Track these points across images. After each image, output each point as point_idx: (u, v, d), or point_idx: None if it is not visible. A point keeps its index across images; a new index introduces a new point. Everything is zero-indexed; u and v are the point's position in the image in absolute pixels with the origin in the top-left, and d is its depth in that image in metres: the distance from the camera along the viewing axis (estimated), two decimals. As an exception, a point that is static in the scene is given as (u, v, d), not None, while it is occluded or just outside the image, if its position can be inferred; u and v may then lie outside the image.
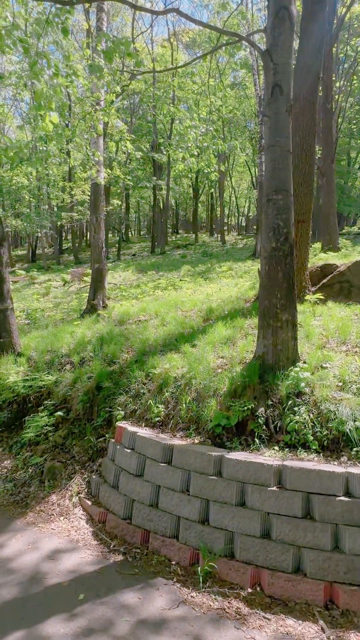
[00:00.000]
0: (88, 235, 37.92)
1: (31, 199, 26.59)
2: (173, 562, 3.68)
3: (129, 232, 41.09)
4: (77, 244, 30.40)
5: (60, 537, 4.15)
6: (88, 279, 16.53)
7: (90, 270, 11.69)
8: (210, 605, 3.19)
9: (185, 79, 23.08)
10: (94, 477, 4.85)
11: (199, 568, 3.50)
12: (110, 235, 30.36)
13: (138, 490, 4.22)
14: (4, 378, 6.20)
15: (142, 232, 48.49)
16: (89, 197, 20.84)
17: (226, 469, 3.74)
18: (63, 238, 34.33)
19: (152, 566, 3.69)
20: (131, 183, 25.30)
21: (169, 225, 37.23)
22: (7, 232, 27.33)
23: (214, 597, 3.27)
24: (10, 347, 6.92)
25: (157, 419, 4.78)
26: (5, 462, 5.59)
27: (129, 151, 7.83)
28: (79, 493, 4.77)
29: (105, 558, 3.83)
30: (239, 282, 10.92)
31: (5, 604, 3.24)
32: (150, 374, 5.33)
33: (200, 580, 3.41)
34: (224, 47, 6.53)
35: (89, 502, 4.58)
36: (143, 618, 3.09)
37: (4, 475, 5.35)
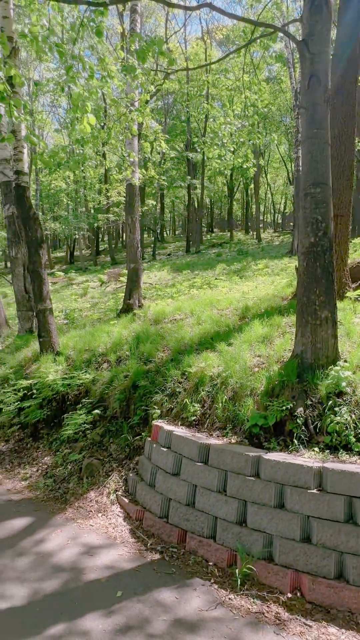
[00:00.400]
0: (124, 236, 38.45)
1: (69, 202, 27.26)
2: (210, 563, 3.64)
3: (164, 232, 41.30)
4: (113, 245, 30.87)
5: (98, 534, 4.20)
6: (124, 279, 16.73)
7: (126, 271, 11.80)
8: (249, 609, 3.13)
9: (219, 76, 22.94)
10: (131, 475, 4.89)
11: (237, 570, 3.44)
12: (145, 235, 30.63)
13: (174, 489, 4.21)
14: (44, 376, 6.36)
15: (177, 232, 48.64)
16: (124, 198, 21.12)
17: (264, 470, 3.67)
18: (100, 239, 34.96)
19: (189, 566, 3.67)
20: (166, 183, 25.39)
21: (203, 224, 37.13)
22: (47, 234, 28.13)
23: (252, 600, 3.21)
24: (50, 347, 7.09)
25: (193, 418, 4.75)
26: (46, 458, 5.73)
27: (164, 151, 7.84)
28: (116, 490, 4.82)
29: (143, 556, 3.84)
30: (275, 279, 10.72)
31: (46, 597, 3.31)
32: (186, 373, 5.31)
33: (238, 582, 3.36)
34: (258, 40, 6.41)
35: (126, 500, 4.62)
36: (180, 618, 3.07)
37: (44, 471, 5.49)
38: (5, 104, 4.52)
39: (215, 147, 7.48)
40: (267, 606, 3.14)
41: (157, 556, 3.83)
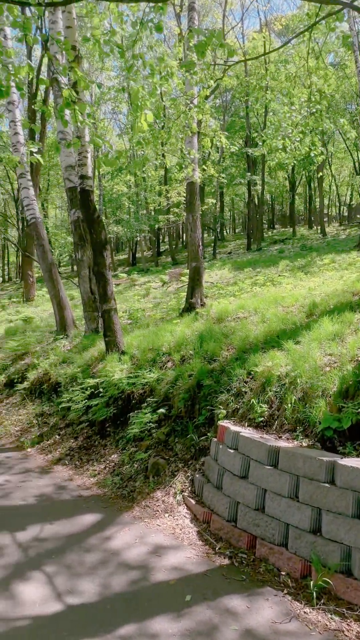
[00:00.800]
0: (184, 236, 38.66)
1: (130, 206, 27.88)
2: (282, 573, 3.46)
3: (224, 231, 40.97)
4: (173, 246, 31.13)
5: (165, 534, 4.17)
6: (185, 278, 16.77)
7: (187, 270, 11.71)
8: (327, 625, 2.92)
9: (278, 68, 22.29)
10: (197, 475, 4.81)
11: (312, 582, 3.23)
12: (205, 234, 30.59)
13: (242, 492, 4.06)
14: (110, 375, 6.48)
15: (237, 230, 48.09)
16: (184, 198, 21.16)
17: (340, 477, 3.42)
18: (160, 240, 35.43)
19: (259, 574, 3.51)
20: (225, 181, 25.16)
21: (264, 221, 36.33)
22: (110, 238, 28.97)
23: (329, 616, 2.99)
24: (115, 346, 7.22)
25: (261, 419, 4.58)
26: (113, 455, 5.82)
27: (224, 147, 7.70)
28: (182, 491, 4.76)
29: (211, 560, 3.74)
30: (344, 274, 10.17)
31: (116, 595, 3.31)
32: (252, 372, 5.14)
33: (314, 595, 3.15)
34: (323, 22, 6.07)
35: (193, 501, 4.55)
36: (251, 628, 2.93)
37: (112, 469, 5.57)
38: (71, 110, 4.63)
39: (279, 137, 7.20)
40: (347, 624, 2.90)
41: (225, 561, 3.72)
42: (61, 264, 37.04)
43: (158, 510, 4.59)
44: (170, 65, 5.01)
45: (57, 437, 6.85)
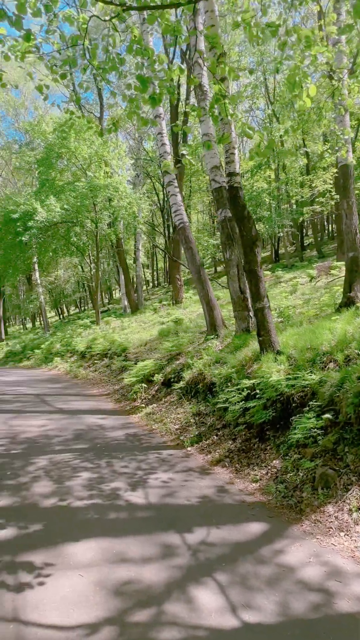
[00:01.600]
0: (329, 228, 36.23)
1: (271, 202, 27.18)
2: None
3: (376, 217, 37.07)
4: (319, 238, 29.35)
5: (343, 557, 3.71)
6: (335, 272, 15.58)
7: (337, 263, 10.74)
8: None
9: None
10: (376, 492, 4.22)
11: None
12: (354, 223, 28.08)
13: None
14: (267, 376, 6.20)
15: (391, 214, 43.12)
16: (330, 186, 19.75)
17: None
18: (304, 234, 33.81)
19: None
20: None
21: None
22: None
23: None
24: (270, 345, 6.92)
25: None
26: (274, 461, 5.53)
27: (386, 117, 6.78)
28: (359, 508, 4.22)
29: None
30: None
31: (296, 620, 3.02)
32: None
33: None
34: None
35: (374, 522, 3.98)
36: None
37: (274, 475, 5.29)
38: (220, 105, 4.52)
39: None
40: None
41: None
42: (204, 266, 38.16)
43: (331, 528, 4.15)
44: (330, 32, 4.53)
45: (215, 437, 6.84)
